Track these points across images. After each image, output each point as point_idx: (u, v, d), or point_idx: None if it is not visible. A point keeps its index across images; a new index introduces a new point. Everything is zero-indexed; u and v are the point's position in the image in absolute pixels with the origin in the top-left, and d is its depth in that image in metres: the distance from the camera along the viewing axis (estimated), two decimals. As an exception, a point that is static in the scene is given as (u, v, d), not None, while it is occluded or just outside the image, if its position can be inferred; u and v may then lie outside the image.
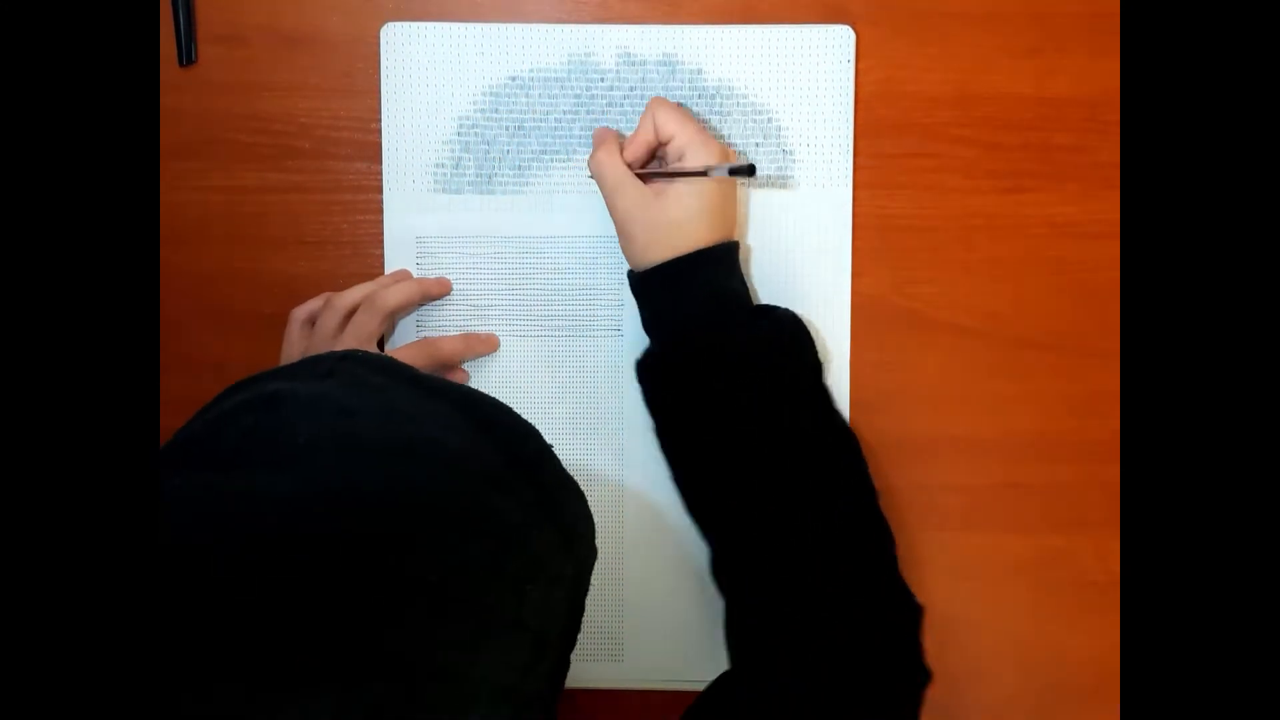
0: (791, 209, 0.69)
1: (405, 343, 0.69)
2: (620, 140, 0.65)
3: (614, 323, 0.69)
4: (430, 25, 0.69)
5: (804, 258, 0.69)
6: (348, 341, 0.64)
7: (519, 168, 0.69)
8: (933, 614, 0.69)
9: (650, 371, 0.64)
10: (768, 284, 0.69)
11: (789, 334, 0.64)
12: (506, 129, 0.69)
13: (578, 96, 0.69)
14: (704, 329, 0.62)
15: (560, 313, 0.69)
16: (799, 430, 0.61)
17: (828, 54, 0.69)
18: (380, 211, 0.69)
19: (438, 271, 0.69)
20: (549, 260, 0.69)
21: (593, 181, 0.68)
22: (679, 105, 0.66)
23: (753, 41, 0.69)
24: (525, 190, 0.69)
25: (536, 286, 0.69)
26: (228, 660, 0.33)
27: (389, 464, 0.39)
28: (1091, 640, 0.69)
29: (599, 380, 0.69)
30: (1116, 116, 0.69)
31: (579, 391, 0.70)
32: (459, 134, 0.69)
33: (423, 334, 0.69)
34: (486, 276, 0.69)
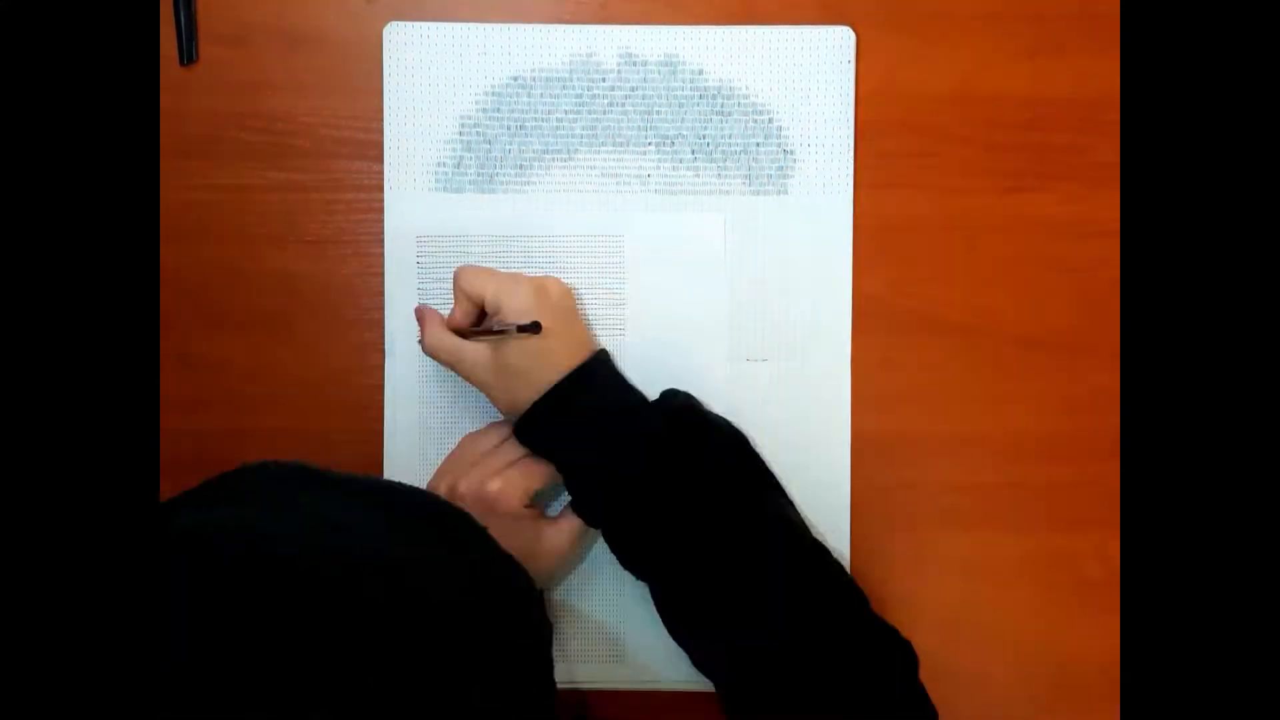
0: (792, 209, 0.69)
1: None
2: (438, 315, 0.66)
3: (616, 323, 0.69)
4: (433, 25, 0.69)
5: (804, 258, 0.69)
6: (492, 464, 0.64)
7: (520, 167, 0.69)
8: (933, 613, 0.69)
9: (583, 514, 0.64)
10: (768, 285, 0.69)
11: (686, 421, 0.64)
12: (508, 129, 0.69)
13: (579, 96, 0.69)
14: (600, 452, 0.62)
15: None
16: (740, 510, 0.61)
17: (828, 54, 0.69)
18: (381, 211, 0.69)
19: (438, 270, 0.69)
20: (550, 260, 0.69)
21: (594, 181, 0.68)
22: (480, 267, 0.65)
23: (754, 42, 0.69)
24: (526, 190, 0.69)
25: (534, 270, 0.69)
26: None
27: (317, 587, 0.38)
28: (1092, 639, 0.69)
29: None
30: (1116, 116, 0.69)
31: None
32: (460, 133, 0.69)
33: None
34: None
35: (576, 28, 0.69)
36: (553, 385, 0.61)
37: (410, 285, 0.69)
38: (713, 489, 0.61)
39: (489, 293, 0.63)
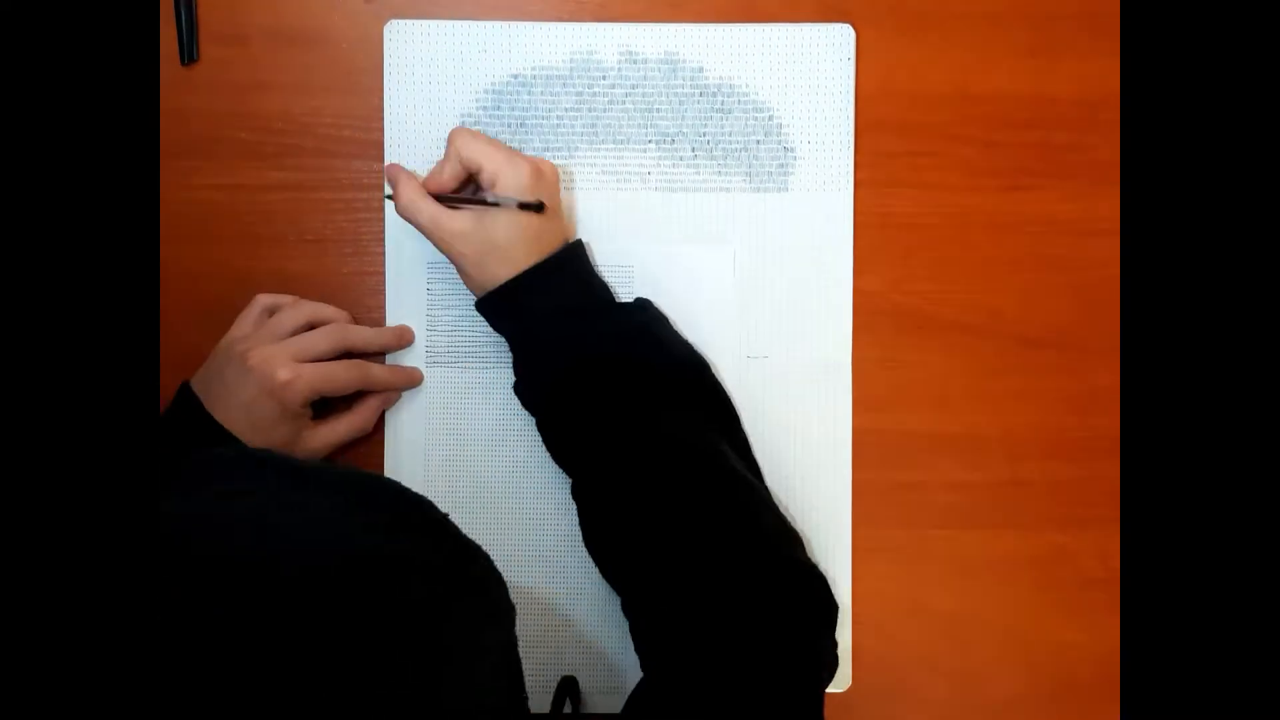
0: (792, 207, 0.69)
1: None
2: (415, 176, 0.65)
3: None
4: (433, 23, 0.69)
5: (805, 255, 0.69)
6: (291, 346, 0.63)
7: (520, 166, 0.69)
8: (933, 611, 0.69)
9: (523, 395, 0.65)
10: (769, 283, 0.69)
11: (639, 325, 0.64)
12: (509, 126, 0.69)
13: (579, 94, 0.69)
14: (558, 346, 0.62)
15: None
16: (670, 431, 0.61)
17: (828, 52, 0.69)
18: (382, 210, 0.69)
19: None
20: None
21: (594, 179, 0.68)
22: (480, 133, 0.64)
23: (754, 40, 0.69)
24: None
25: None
26: None
27: (279, 587, 0.37)
28: (1092, 637, 0.69)
29: None
30: (1115, 115, 0.69)
31: None
32: (460, 132, 0.69)
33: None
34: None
35: (577, 25, 0.69)
36: (532, 265, 0.62)
37: (411, 286, 0.69)
38: (655, 403, 0.61)
39: (488, 165, 0.63)
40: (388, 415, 0.69)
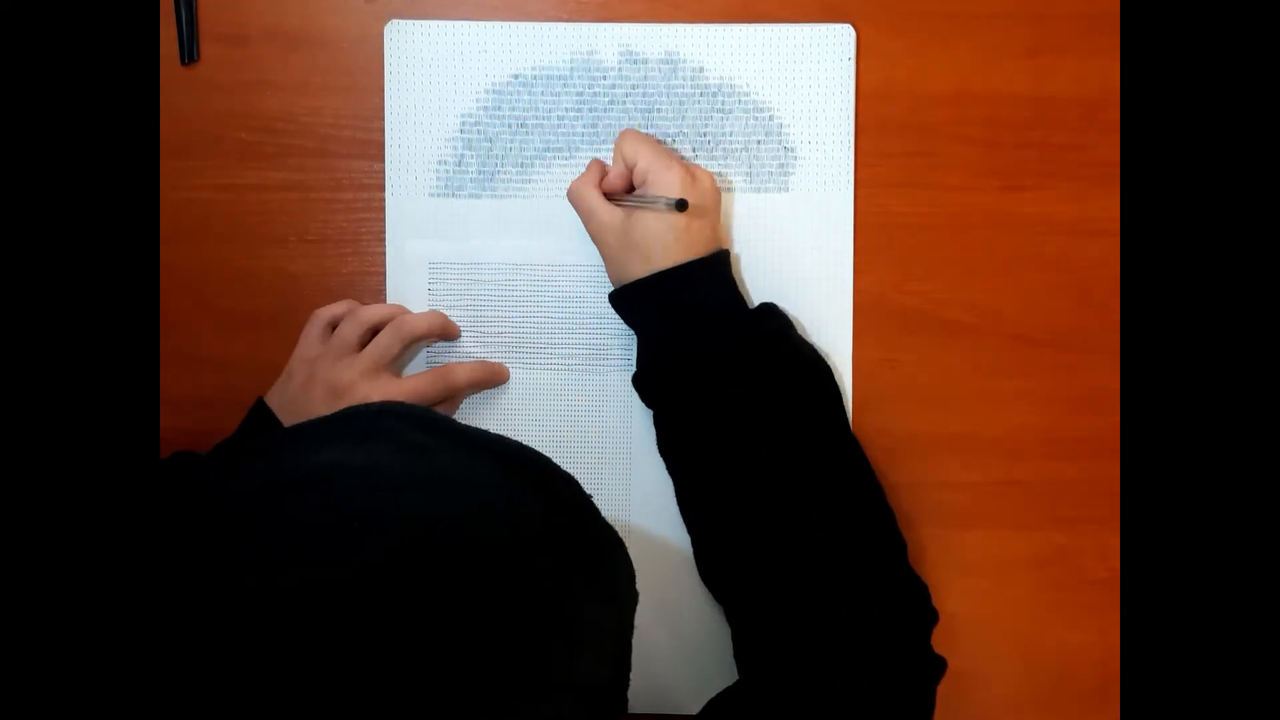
0: (793, 206, 0.69)
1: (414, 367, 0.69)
2: (604, 170, 0.67)
3: (626, 353, 0.69)
4: (433, 23, 0.69)
5: (805, 255, 0.69)
6: (367, 360, 0.65)
7: (521, 165, 0.69)
8: (933, 611, 0.69)
9: (642, 386, 0.65)
10: (769, 282, 0.69)
11: (775, 332, 0.65)
12: (509, 127, 0.69)
13: (580, 94, 0.69)
14: (686, 339, 0.63)
15: (569, 335, 0.70)
16: (796, 430, 0.61)
17: (828, 52, 0.69)
18: (382, 210, 0.69)
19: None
20: (560, 290, 0.69)
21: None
22: (644, 134, 0.67)
23: (754, 40, 0.69)
24: (528, 187, 0.69)
25: (542, 300, 0.70)
26: None
27: (438, 545, 0.39)
28: (1092, 637, 0.69)
29: (608, 410, 0.69)
30: (1115, 115, 0.69)
31: (586, 422, 0.70)
32: (461, 132, 0.69)
33: (431, 356, 0.70)
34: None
35: (577, 25, 0.69)
36: (671, 266, 0.62)
37: (411, 286, 0.69)
38: (780, 405, 0.62)
39: (641, 162, 0.64)
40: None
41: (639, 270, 0.63)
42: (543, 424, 0.69)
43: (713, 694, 0.59)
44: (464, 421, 0.68)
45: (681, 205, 0.62)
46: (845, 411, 0.66)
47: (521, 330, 0.69)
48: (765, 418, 0.61)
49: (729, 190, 0.69)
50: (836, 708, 0.56)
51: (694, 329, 0.63)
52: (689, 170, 0.64)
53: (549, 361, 0.69)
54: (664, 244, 0.63)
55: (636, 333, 0.66)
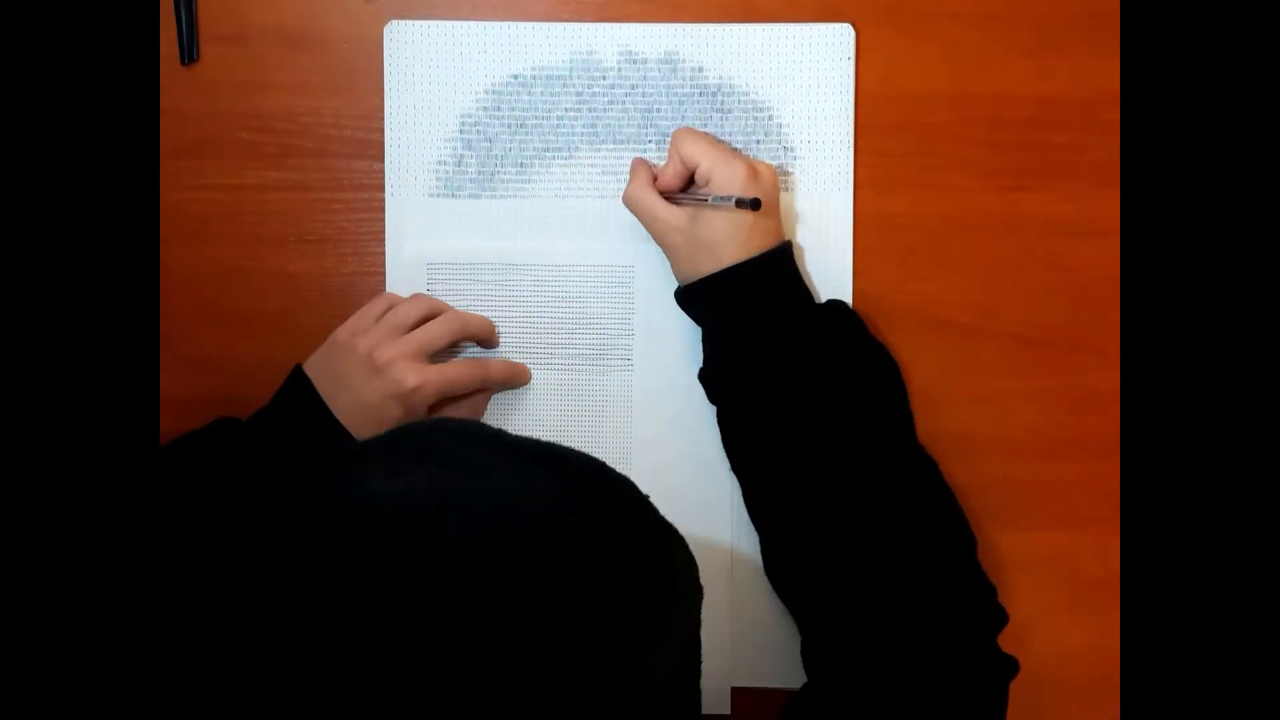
0: (792, 207, 0.69)
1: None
2: (652, 170, 0.67)
3: (627, 353, 0.69)
4: (433, 24, 0.69)
5: (805, 255, 0.69)
6: (414, 342, 0.65)
7: (521, 165, 0.69)
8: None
9: (709, 382, 0.66)
10: (768, 282, 0.69)
11: (841, 327, 0.65)
12: (509, 127, 0.69)
13: (579, 94, 0.69)
14: (754, 332, 0.63)
15: (568, 335, 0.70)
16: (854, 430, 0.62)
17: (828, 52, 0.69)
18: (382, 210, 0.69)
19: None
20: (561, 290, 0.69)
21: (595, 180, 0.68)
22: (703, 133, 0.67)
23: (753, 40, 0.69)
24: (527, 188, 0.69)
25: (541, 300, 0.70)
26: None
27: (503, 571, 0.39)
28: (1092, 637, 0.69)
29: (608, 410, 0.70)
30: (1115, 115, 0.69)
31: (586, 422, 0.70)
32: (461, 132, 0.69)
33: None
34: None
35: (576, 26, 0.69)
36: (738, 263, 0.62)
37: (411, 286, 0.69)
38: (847, 401, 0.62)
39: (704, 162, 0.64)
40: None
41: (709, 267, 0.63)
42: (543, 424, 0.69)
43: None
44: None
45: (755, 205, 0.62)
46: (909, 412, 0.66)
47: (521, 330, 0.69)
48: (821, 416, 0.61)
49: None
50: (897, 708, 0.56)
51: (756, 325, 0.63)
52: (751, 166, 0.64)
53: (549, 361, 0.69)
54: (735, 241, 0.63)
55: (703, 329, 0.66)
